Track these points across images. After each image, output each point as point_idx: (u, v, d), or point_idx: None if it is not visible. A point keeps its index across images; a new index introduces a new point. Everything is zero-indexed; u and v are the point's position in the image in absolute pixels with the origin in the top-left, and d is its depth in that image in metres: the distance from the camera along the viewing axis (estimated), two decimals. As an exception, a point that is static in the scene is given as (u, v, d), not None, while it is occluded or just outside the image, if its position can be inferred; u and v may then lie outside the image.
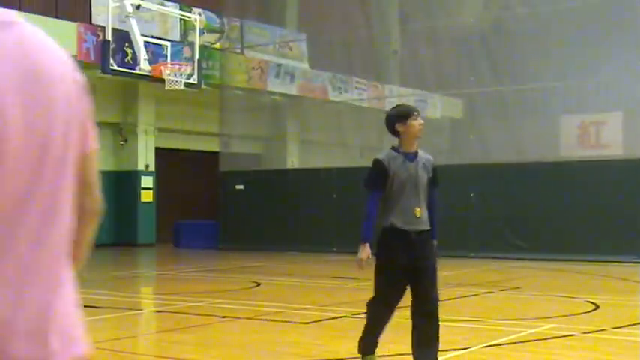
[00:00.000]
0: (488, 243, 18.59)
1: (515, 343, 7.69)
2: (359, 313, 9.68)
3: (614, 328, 8.54)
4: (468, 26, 21.30)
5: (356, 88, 25.41)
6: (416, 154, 5.80)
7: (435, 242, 5.88)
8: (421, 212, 5.70)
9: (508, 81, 20.20)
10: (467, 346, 7.47)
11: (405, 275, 5.73)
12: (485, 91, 20.55)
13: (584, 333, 8.18)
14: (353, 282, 13.57)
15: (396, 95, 24.90)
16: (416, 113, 5.76)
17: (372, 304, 6.00)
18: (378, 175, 5.71)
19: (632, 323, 8.87)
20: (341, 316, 9.49)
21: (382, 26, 24.64)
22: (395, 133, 5.77)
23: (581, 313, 9.72)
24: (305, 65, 25.61)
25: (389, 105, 24.95)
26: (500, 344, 7.62)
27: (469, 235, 18.86)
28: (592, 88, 18.75)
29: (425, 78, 22.75)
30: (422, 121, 5.75)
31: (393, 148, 5.82)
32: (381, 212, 5.76)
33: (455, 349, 7.33)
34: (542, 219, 18.17)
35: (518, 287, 12.83)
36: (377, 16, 24.57)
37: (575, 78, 18.84)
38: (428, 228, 5.77)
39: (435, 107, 24.71)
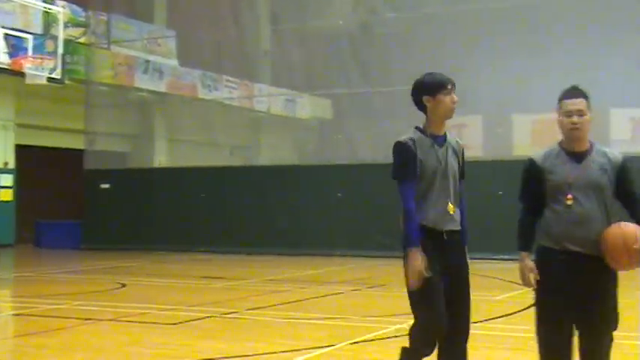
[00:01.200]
0: (354, 241, 18.88)
1: (381, 339, 7.83)
2: (227, 313, 9.65)
3: (474, 322, 8.82)
4: (337, 28, 21.59)
5: (226, 86, 25.29)
6: (445, 136, 4.74)
7: (466, 248, 4.77)
8: (454, 209, 4.66)
9: (376, 83, 20.59)
10: (333, 344, 7.55)
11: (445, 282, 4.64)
12: (353, 92, 20.89)
13: (446, 328, 8.42)
14: (221, 282, 13.48)
15: (266, 94, 24.96)
16: (450, 86, 4.69)
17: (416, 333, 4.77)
18: (406, 159, 4.60)
19: (489, 318, 9.19)
20: (209, 317, 9.41)
21: (252, 26, 24.62)
22: (421, 107, 4.70)
23: (443, 310, 9.99)
24: (174, 62, 25.26)
25: (259, 104, 25.03)
26: (366, 341, 7.74)
27: (336, 234, 19.11)
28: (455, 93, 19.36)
29: (295, 78, 22.91)
30: (456, 98, 4.71)
31: (418, 129, 4.72)
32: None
33: (320, 347, 7.40)
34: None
35: (384, 284, 13.09)
36: (247, 16, 24.53)
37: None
38: (459, 228, 4.71)
39: (304, 107, 24.92)
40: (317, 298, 11.36)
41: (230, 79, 25.24)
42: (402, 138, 4.68)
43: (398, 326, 8.53)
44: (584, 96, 4.49)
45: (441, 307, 4.57)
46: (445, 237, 4.63)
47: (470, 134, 19.19)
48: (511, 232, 4.82)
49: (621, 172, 4.53)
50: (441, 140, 4.71)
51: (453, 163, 4.71)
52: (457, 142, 4.82)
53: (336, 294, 11.80)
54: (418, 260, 4.52)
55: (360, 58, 20.78)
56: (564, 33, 17.98)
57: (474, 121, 19.18)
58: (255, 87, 25.56)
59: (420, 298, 4.64)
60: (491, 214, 16.84)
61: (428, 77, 4.74)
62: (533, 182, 4.57)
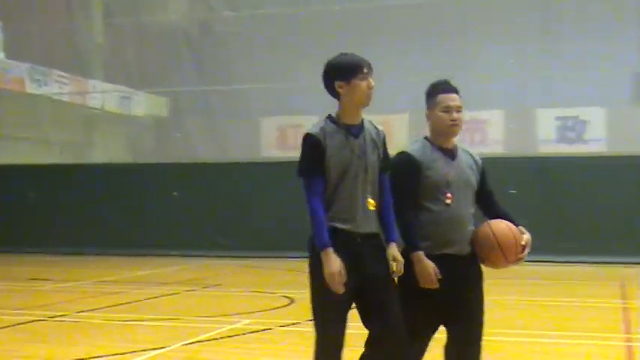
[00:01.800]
0: (191, 241, 18.71)
1: (214, 339, 7.80)
2: (56, 316, 9.30)
3: (308, 320, 8.98)
4: (174, 24, 21.30)
5: (56, 81, 24.35)
6: (361, 125, 4.16)
7: (393, 246, 4.16)
8: (374, 204, 4.13)
9: (213, 81, 20.48)
10: (166, 345, 7.45)
11: (360, 293, 4.10)
12: (190, 90, 20.68)
13: (281, 327, 8.51)
14: (49, 283, 12.99)
15: (99, 91, 24.23)
16: (366, 69, 4.07)
17: (320, 354, 4.12)
18: (312, 154, 4.05)
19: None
20: (36, 320, 9.04)
21: (85, 19, 23.84)
22: (333, 93, 4.14)
23: (277, 308, 10.10)
24: (0, 55, 24.05)
25: (92, 101, 24.26)
26: (200, 341, 7.69)
27: (171, 234, 18.86)
28: (291, 93, 19.58)
29: (130, 74, 22.40)
30: (373, 82, 4.10)
31: (330, 118, 4.17)
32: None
33: (154, 349, 7.29)
34: (244, 217, 18.64)
35: (218, 284, 13.04)
36: (79, 8, 23.74)
37: (276, 81, 19.56)
38: (377, 231, 4.16)
39: (140, 105, 24.42)
40: (151, 299, 11.17)
41: (61, 73, 24.33)
42: (311, 129, 4.13)
43: (232, 326, 8.53)
44: (458, 91, 4.36)
45: (339, 332, 4.06)
46: (359, 240, 4.04)
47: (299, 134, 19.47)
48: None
49: (483, 170, 4.50)
50: (356, 130, 4.13)
51: (371, 155, 4.13)
52: (377, 130, 4.22)
53: (170, 295, 11.65)
54: (335, 261, 3.92)
55: (198, 55, 20.60)
56: (407, 34, 18.55)
57: (312, 121, 19.49)
58: (89, 83, 24.79)
59: (317, 319, 4.11)
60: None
61: (341, 59, 4.13)
62: (411, 179, 4.23)
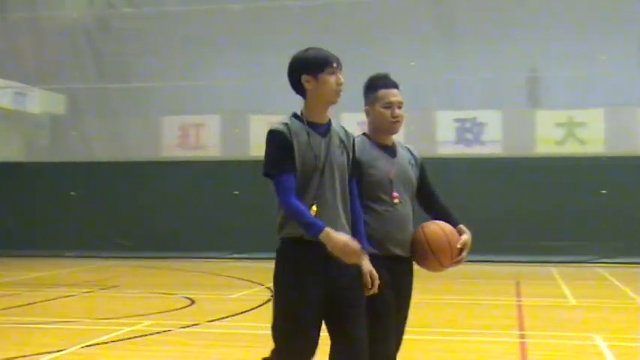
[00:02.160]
0: (88, 241, 18.31)
1: (113, 342, 7.65)
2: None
3: (208, 321, 8.92)
4: (72, 20, 20.77)
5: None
6: (329, 125, 3.89)
7: (366, 259, 3.85)
8: (327, 210, 3.75)
9: (113, 79, 20.08)
10: (63, 348, 7.26)
11: (320, 314, 3.76)
12: (89, 88, 20.21)
13: (181, 328, 8.42)
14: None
15: (-8, 87, 23.37)
16: (335, 64, 3.81)
17: None
18: (280, 150, 3.73)
19: (225, 316, 9.32)
20: None
21: (-22, 12, 22.99)
22: (299, 89, 3.84)
23: (178, 309, 9.98)
24: None
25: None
26: (98, 344, 7.52)
27: (67, 234, 18.41)
28: (192, 91, 19.40)
29: (25, 70, 21.69)
30: (342, 79, 3.84)
31: (295, 116, 3.86)
32: (277, 215, 3.82)
33: (50, 352, 7.09)
34: (143, 218, 18.36)
35: (117, 286, 12.80)
36: (-29, 1, 22.87)
37: (177, 80, 19.34)
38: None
39: (35, 101, 23.69)
40: (46, 301, 10.87)
41: (-49, 68, 23.38)
42: (275, 125, 3.80)
43: (132, 328, 8.38)
44: (398, 86, 4.22)
45: (303, 346, 3.72)
46: (329, 250, 3.65)
47: (207, 133, 19.29)
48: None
49: (422, 167, 4.36)
50: (322, 130, 3.84)
51: (339, 157, 3.84)
52: (346, 131, 3.96)
53: (67, 297, 11.36)
54: (339, 236, 3.58)
55: (96, 52, 20.15)
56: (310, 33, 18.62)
57: (212, 120, 19.31)
58: (-19, 78, 23.89)
59: (277, 330, 3.76)
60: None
61: (309, 53, 3.85)
62: (358, 175, 3.99)
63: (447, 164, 17.16)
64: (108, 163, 19.12)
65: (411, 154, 4.33)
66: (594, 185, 16.51)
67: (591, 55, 17.20)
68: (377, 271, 3.85)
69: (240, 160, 18.07)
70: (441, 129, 17.60)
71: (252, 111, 18.74)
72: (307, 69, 3.81)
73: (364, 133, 4.25)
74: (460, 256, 4.10)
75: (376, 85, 4.20)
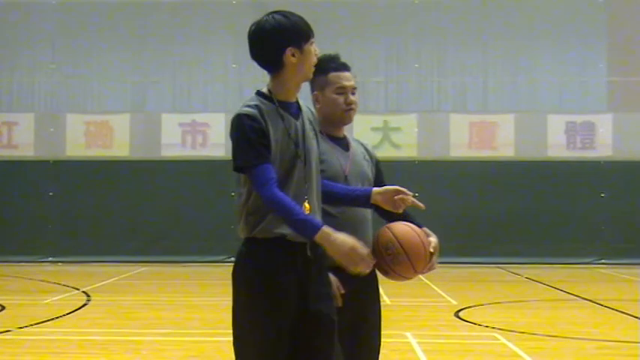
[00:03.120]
0: None
1: None
2: None
3: (19, 328, 8.53)
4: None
5: None
6: (298, 104, 3.32)
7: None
8: (313, 209, 3.23)
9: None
10: None
11: (294, 330, 3.18)
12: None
13: (-11, 336, 8.01)
14: None
15: None
16: (313, 37, 3.27)
17: None
18: (252, 137, 3.12)
19: (36, 322, 8.95)
20: None
21: None
22: (275, 62, 3.22)
23: (-14, 316, 9.49)
24: None
25: None
26: None
27: None
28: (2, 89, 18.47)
29: None
30: (318, 50, 3.32)
31: (261, 94, 3.26)
32: (241, 211, 3.18)
33: None
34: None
35: None
36: None
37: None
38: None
39: None
40: None
41: None
42: (244, 109, 3.19)
43: None
44: (350, 69, 3.71)
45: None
46: (309, 253, 3.17)
47: (20, 133, 18.40)
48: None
49: (378, 166, 3.84)
50: (294, 110, 3.27)
51: (312, 143, 3.30)
52: (312, 111, 3.42)
53: None
54: (348, 239, 3.06)
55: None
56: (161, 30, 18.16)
57: (26, 119, 18.45)
58: None
59: (240, 346, 3.17)
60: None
61: (291, 19, 3.23)
62: None
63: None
64: None
65: (365, 148, 3.83)
66: (408, 187, 17.15)
67: (405, 63, 17.92)
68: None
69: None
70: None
71: (69, 110, 18.10)
72: (294, 40, 3.20)
73: None
74: (432, 262, 3.48)
75: (326, 67, 3.62)
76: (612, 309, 10.30)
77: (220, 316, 9.22)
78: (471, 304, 10.73)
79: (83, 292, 11.88)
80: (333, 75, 3.65)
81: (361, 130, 17.68)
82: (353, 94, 3.67)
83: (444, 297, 11.63)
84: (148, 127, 17.86)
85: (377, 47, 18.07)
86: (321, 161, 3.45)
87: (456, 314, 9.79)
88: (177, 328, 8.76)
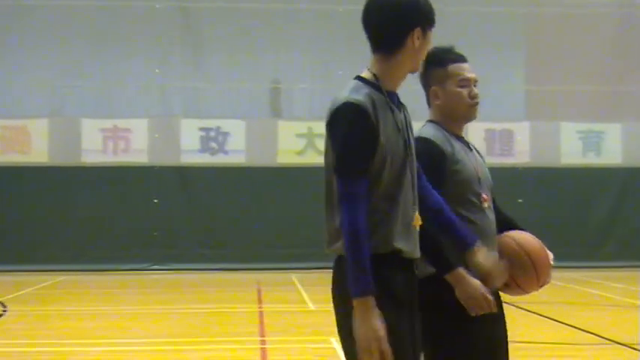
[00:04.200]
0: None
1: None
2: None
3: None
4: None
5: None
6: (398, 96, 2.92)
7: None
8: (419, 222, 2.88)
9: None
10: None
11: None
12: None
13: None
14: None
15: None
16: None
17: None
18: (361, 136, 2.68)
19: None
20: None
21: None
22: (394, 42, 2.81)
23: None
24: None
25: None
26: None
27: None
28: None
29: None
30: None
31: (364, 80, 2.81)
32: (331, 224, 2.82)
33: None
34: None
35: None
36: None
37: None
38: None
39: None
40: None
41: None
42: (353, 95, 2.71)
43: None
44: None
45: None
46: (415, 269, 2.86)
47: None
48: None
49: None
50: (396, 101, 2.85)
51: (413, 140, 2.91)
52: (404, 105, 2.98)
53: None
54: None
55: None
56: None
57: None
58: None
59: None
60: None
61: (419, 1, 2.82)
62: (438, 176, 3.13)
63: (191, 172, 17.23)
64: None
65: (478, 151, 3.50)
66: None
67: (330, 70, 18.02)
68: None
69: None
70: (186, 137, 17.58)
71: None
72: (423, 21, 2.81)
73: (431, 121, 3.39)
74: (550, 274, 3.29)
75: (444, 59, 3.31)
76: (531, 312, 10.54)
77: (138, 325, 9.11)
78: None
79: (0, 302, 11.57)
80: (453, 67, 3.32)
81: (285, 136, 17.73)
82: (475, 86, 3.39)
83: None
84: (67, 132, 17.49)
85: (301, 54, 18.12)
86: (456, 161, 3.22)
87: (380, 320, 9.84)
88: (97, 338, 8.59)
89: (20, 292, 13.06)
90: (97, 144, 17.47)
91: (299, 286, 13.90)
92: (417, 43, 2.80)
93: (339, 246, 2.71)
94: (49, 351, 7.87)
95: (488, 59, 18.42)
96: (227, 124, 17.77)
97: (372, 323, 2.61)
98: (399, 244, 2.72)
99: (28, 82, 17.84)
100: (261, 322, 9.79)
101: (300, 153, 17.78)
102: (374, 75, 2.79)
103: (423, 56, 2.87)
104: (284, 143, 17.76)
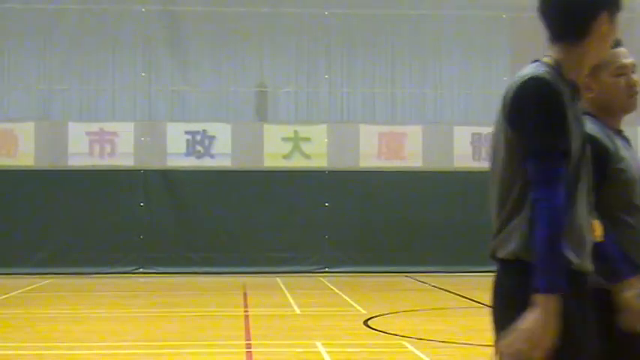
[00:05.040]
0: None
1: None
2: None
3: None
4: None
5: None
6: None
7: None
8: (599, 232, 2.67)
9: None
10: None
11: None
12: None
13: None
14: None
15: None
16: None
17: None
18: (555, 112, 2.37)
19: None
20: None
21: None
22: (578, 28, 2.50)
23: None
24: None
25: None
26: None
27: None
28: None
29: None
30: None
31: (548, 66, 2.49)
32: (508, 223, 2.45)
33: None
34: None
35: None
36: None
37: None
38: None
39: None
40: None
41: None
42: (537, 71, 2.44)
43: None
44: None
45: None
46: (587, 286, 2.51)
47: None
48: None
49: None
50: (579, 95, 2.56)
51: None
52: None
53: None
54: (556, 330, 2.31)
55: None
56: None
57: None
58: None
59: None
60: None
61: None
62: (598, 174, 2.70)
63: (177, 176, 17.22)
64: None
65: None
66: (319, 197, 17.35)
67: (315, 73, 18.05)
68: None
69: None
70: (173, 141, 17.56)
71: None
72: (612, 5, 2.53)
73: (587, 113, 2.90)
74: None
75: None
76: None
77: (123, 328, 9.09)
78: (380, 313, 10.86)
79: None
80: (607, 53, 2.76)
81: (271, 139, 17.74)
82: (634, 72, 2.98)
83: (353, 306, 11.73)
84: (53, 135, 17.44)
85: (287, 58, 18.15)
86: (620, 159, 2.87)
87: (365, 323, 9.89)
88: (81, 341, 8.58)
89: (6, 296, 13.01)
90: (84, 147, 17.42)
91: (285, 289, 13.91)
92: (603, 29, 2.52)
93: (513, 248, 2.40)
94: (34, 354, 7.84)
95: (475, 64, 18.51)
96: (213, 127, 17.76)
97: (550, 323, 2.28)
98: (575, 254, 2.40)
99: (14, 86, 17.79)
100: (247, 326, 9.79)
101: (286, 156, 17.79)
102: (556, 62, 2.51)
103: (610, 44, 2.60)
104: (270, 147, 17.77)
